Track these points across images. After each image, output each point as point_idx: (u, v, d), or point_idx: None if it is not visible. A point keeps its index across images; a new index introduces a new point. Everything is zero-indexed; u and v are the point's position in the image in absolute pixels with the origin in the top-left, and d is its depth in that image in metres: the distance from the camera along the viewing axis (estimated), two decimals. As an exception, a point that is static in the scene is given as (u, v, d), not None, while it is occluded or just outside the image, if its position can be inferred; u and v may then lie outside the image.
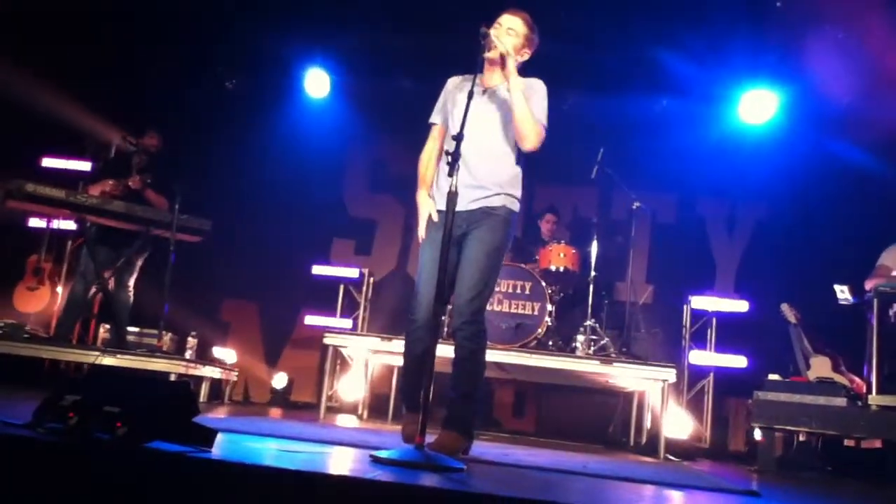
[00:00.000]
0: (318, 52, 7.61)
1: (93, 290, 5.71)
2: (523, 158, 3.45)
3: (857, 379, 5.30)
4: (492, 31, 3.26)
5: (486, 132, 3.35)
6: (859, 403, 4.55)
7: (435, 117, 3.56)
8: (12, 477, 1.87)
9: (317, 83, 7.78)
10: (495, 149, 3.38)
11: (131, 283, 5.87)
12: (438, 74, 3.65)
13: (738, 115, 7.20)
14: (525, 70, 3.52)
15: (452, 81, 3.55)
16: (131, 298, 5.87)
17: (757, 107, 7.10)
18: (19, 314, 6.89)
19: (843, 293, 5.19)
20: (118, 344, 5.63)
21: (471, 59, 3.22)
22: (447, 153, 2.86)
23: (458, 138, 2.86)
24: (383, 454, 2.48)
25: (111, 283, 5.70)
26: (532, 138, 3.29)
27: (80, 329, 5.98)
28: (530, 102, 3.31)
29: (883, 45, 5.89)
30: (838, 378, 5.25)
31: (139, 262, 5.90)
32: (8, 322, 5.69)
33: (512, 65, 3.28)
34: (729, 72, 6.87)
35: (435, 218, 3.38)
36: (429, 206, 3.43)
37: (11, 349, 5.26)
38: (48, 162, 7.89)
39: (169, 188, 5.64)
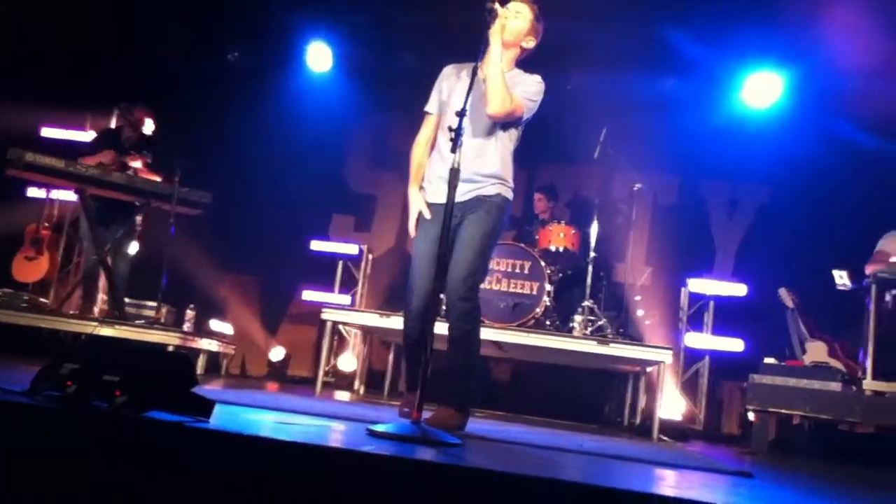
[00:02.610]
0: (321, 26, 7.55)
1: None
2: (517, 143, 3.46)
3: (852, 364, 5.32)
4: (497, 6, 3.23)
5: (481, 120, 3.35)
6: (854, 388, 4.57)
7: (430, 106, 3.55)
8: (10, 444, 1.88)
9: (319, 57, 7.72)
10: (491, 136, 3.38)
11: (130, 252, 5.88)
12: (441, 51, 3.63)
13: (743, 99, 7.16)
14: (530, 56, 3.51)
15: (448, 69, 3.54)
16: (128, 269, 5.89)
17: (762, 90, 7.05)
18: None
19: (841, 279, 5.19)
20: (117, 315, 5.63)
21: (475, 37, 3.20)
22: (449, 129, 2.85)
23: (461, 114, 2.85)
24: (379, 428, 2.49)
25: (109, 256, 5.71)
26: (495, 103, 3.25)
27: (81, 299, 5.97)
28: (517, 86, 3.34)
29: (889, 28, 5.85)
30: (834, 363, 5.26)
31: (135, 233, 5.92)
32: (6, 291, 5.70)
33: (498, 44, 3.25)
34: (735, 53, 6.82)
35: (426, 213, 3.42)
36: (419, 203, 3.46)
37: (10, 318, 5.28)
38: (48, 132, 7.86)
39: (163, 167, 5.65)
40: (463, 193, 3.30)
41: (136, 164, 5.70)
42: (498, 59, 3.25)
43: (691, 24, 6.35)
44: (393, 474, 1.78)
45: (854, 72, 6.54)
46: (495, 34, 3.25)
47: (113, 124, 6.85)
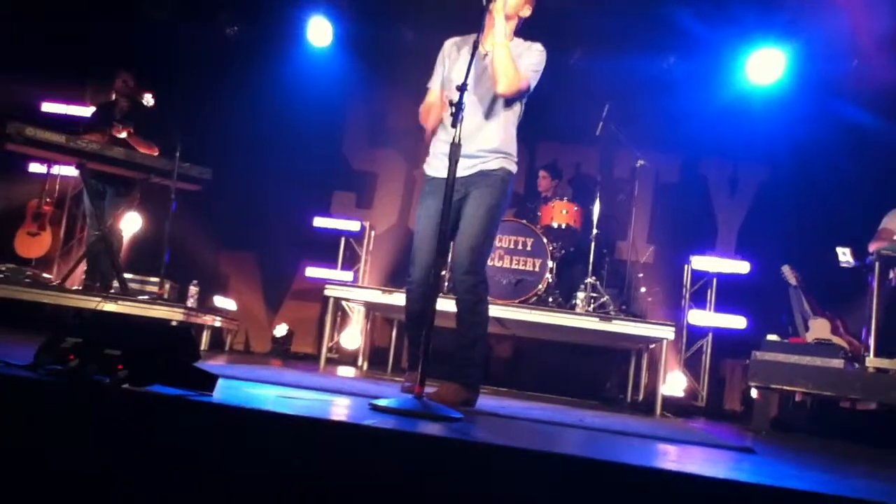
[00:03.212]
0: (321, 1, 7.48)
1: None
2: (521, 117, 3.44)
3: (855, 341, 5.32)
4: None
5: (483, 95, 3.35)
6: (856, 365, 4.57)
7: (432, 81, 3.52)
8: (12, 417, 1.88)
9: (319, 32, 7.66)
10: (493, 112, 3.37)
11: (121, 226, 5.91)
12: (442, 28, 3.60)
13: (746, 75, 7.09)
14: (529, 28, 3.47)
15: (449, 44, 3.52)
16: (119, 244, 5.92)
17: (764, 66, 6.98)
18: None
19: (844, 255, 5.18)
20: (117, 290, 5.64)
21: (476, 11, 3.17)
22: (450, 103, 2.82)
23: (462, 88, 2.82)
24: (382, 402, 2.49)
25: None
26: (504, 82, 3.27)
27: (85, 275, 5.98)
28: (520, 58, 3.32)
29: (891, 5, 5.78)
30: (837, 340, 5.27)
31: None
32: (9, 266, 5.70)
33: (501, 21, 3.26)
34: (738, 30, 6.75)
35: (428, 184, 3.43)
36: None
37: (12, 293, 5.28)
38: (48, 107, 7.83)
39: (158, 135, 5.62)
40: (466, 168, 3.29)
41: (122, 134, 5.67)
42: (503, 37, 3.24)
43: (693, 0, 6.28)
44: (394, 448, 1.79)
45: (856, 49, 6.48)
46: (498, 11, 3.23)
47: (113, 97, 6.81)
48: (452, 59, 3.44)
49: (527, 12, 3.42)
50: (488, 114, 3.36)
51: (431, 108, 3.45)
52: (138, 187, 5.83)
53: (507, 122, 3.40)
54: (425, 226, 3.37)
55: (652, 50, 7.15)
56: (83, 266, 5.91)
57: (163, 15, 7.51)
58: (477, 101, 3.34)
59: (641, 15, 6.65)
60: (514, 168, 3.45)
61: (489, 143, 3.36)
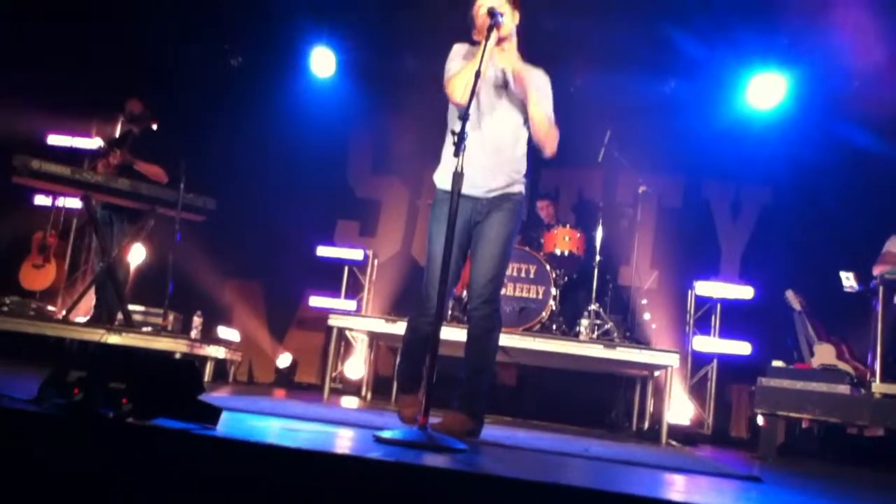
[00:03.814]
0: (325, 31, 7.56)
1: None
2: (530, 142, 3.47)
3: (861, 366, 5.29)
4: (497, 6, 3.20)
5: (504, 117, 3.37)
6: (863, 391, 4.55)
7: (452, 65, 3.37)
8: (16, 451, 1.88)
9: (323, 62, 7.73)
10: (513, 134, 3.39)
11: (128, 258, 5.92)
12: (444, 56, 3.62)
13: (747, 100, 7.14)
14: (532, 53, 3.50)
15: (462, 48, 3.42)
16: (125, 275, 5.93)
17: (766, 91, 7.03)
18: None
19: (848, 280, 5.17)
20: (122, 322, 5.64)
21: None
22: (453, 133, 2.84)
23: (464, 118, 2.83)
24: (386, 434, 2.48)
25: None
26: (552, 145, 3.37)
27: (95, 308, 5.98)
28: (544, 104, 3.35)
29: (891, 28, 5.83)
30: (842, 366, 5.24)
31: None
32: (14, 299, 5.71)
33: (518, 67, 3.29)
34: (739, 54, 6.80)
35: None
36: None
37: (17, 326, 5.29)
38: (54, 139, 7.89)
39: (164, 158, 5.66)
40: (490, 189, 3.32)
41: (116, 160, 5.69)
42: (542, 110, 3.31)
43: (694, 25, 6.34)
44: (399, 481, 1.78)
45: (857, 71, 6.52)
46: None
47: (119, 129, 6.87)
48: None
49: (517, 19, 3.38)
50: (513, 136, 3.39)
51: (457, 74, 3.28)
52: (147, 218, 5.84)
53: (524, 143, 3.44)
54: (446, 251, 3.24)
55: (653, 74, 7.20)
56: (91, 298, 5.92)
57: (168, 46, 7.59)
58: (500, 122, 3.35)
59: (643, 39, 6.71)
60: (524, 191, 3.49)
61: (515, 165, 3.40)
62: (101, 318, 5.68)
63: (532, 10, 3.44)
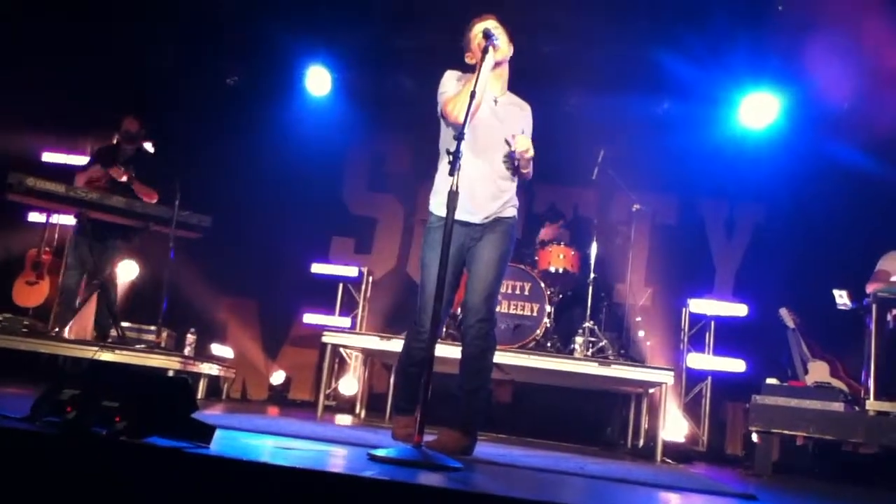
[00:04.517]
0: (320, 50, 7.60)
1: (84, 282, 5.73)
2: None
3: (855, 384, 5.30)
4: (492, 28, 3.23)
5: (499, 144, 3.40)
6: (857, 409, 4.55)
7: (447, 88, 3.40)
8: (9, 470, 1.87)
9: (318, 81, 7.77)
10: (507, 161, 3.43)
11: (117, 275, 5.91)
12: (439, 74, 3.66)
13: (740, 119, 7.19)
14: (527, 74, 3.54)
15: (454, 74, 3.45)
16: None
17: (758, 110, 7.08)
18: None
19: (841, 298, 5.19)
20: (118, 337, 5.62)
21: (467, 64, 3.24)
22: (448, 152, 2.85)
23: (460, 138, 2.85)
24: (381, 452, 2.48)
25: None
26: (531, 171, 3.49)
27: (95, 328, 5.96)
28: (524, 127, 3.49)
29: (883, 48, 5.89)
30: (837, 383, 5.25)
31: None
32: (6, 316, 5.69)
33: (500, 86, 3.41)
34: (731, 75, 6.86)
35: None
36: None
37: (10, 343, 5.26)
38: (49, 157, 7.89)
39: (159, 181, 5.66)
40: (484, 217, 3.39)
41: (123, 178, 5.69)
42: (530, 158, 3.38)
43: (687, 46, 6.40)
44: (394, 499, 1.77)
45: (848, 91, 6.58)
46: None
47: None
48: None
49: (511, 51, 3.39)
50: (505, 162, 3.42)
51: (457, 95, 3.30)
52: (139, 235, 5.84)
53: (516, 174, 3.50)
54: (438, 271, 3.27)
55: (647, 94, 7.25)
56: (90, 315, 5.90)
57: (165, 64, 7.62)
58: (495, 150, 3.39)
59: (636, 60, 6.77)
60: (516, 215, 3.56)
61: (506, 191, 3.46)
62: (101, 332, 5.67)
63: (529, 33, 3.48)
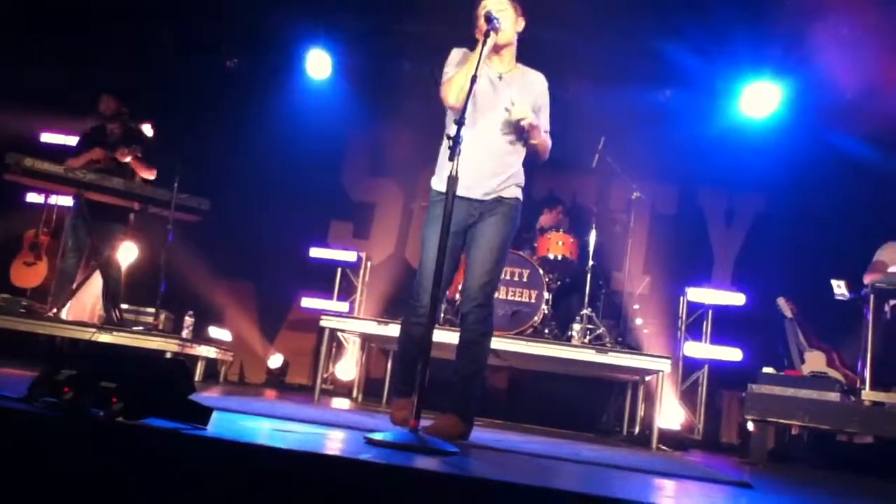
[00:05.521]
0: (321, 33, 7.56)
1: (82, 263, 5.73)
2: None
3: (851, 374, 5.32)
4: (496, 11, 3.20)
5: (500, 122, 3.36)
6: (852, 398, 4.57)
7: (450, 69, 3.38)
8: (6, 450, 1.87)
9: (318, 64, 7.72)
10: (509, 138, 3.39)
11: (118, 259, 5.90)
12: (440, 58, 3.63)
13: (741, 109, 7.17)
14: (529, 61, 3.51)
15: (459, 53, 3.42)
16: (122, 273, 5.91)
17: (759, 100, 7.06)
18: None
19: (839, 288, 5.19)
20: (116, 320, 5.62)
21: (475, 42, 3.21)
22: (448, 137, 2.84)
23: (460, 123, 2.84)
24: (377, 436, 2.48)
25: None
26: (545, 156, 3.47)
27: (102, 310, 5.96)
28: (542, 114, 3.42)
29: (886, 38, 5.87)
30: (833, 373, 5.26)
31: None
32: (4, 296, 5.68)
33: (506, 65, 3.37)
34: (732, 64, 6.84)
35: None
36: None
37: (8, 324, 5.27)
38: (47, 137, 7.86)
39: (157, 163, 5.65)
40: (486, 191, 3.33)
41: (127, 158, 5.68)
42: (540, 131, 3.40)
43: (688, 34, 6.37)
44: (390, 483, 1.78)
45: (851, 83, 6.56)
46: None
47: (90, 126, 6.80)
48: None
49: (521, 26, 3.40)
50: (509, 139, 3.38)
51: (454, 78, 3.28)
52: (130, 215, 5.84)
53: (521, 147, 3.44)
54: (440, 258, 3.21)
55: (648, 83, 7.23)
56: (89, 297, 5.89)
57: (163, 47, 7.58)
58: (496, 125, 3.35)
59: (638, 49, 6.74)
60: (521, 196, 3.49)
61: (509, 168, 3.39)
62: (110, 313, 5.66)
63: (529, 20, 3.44)
